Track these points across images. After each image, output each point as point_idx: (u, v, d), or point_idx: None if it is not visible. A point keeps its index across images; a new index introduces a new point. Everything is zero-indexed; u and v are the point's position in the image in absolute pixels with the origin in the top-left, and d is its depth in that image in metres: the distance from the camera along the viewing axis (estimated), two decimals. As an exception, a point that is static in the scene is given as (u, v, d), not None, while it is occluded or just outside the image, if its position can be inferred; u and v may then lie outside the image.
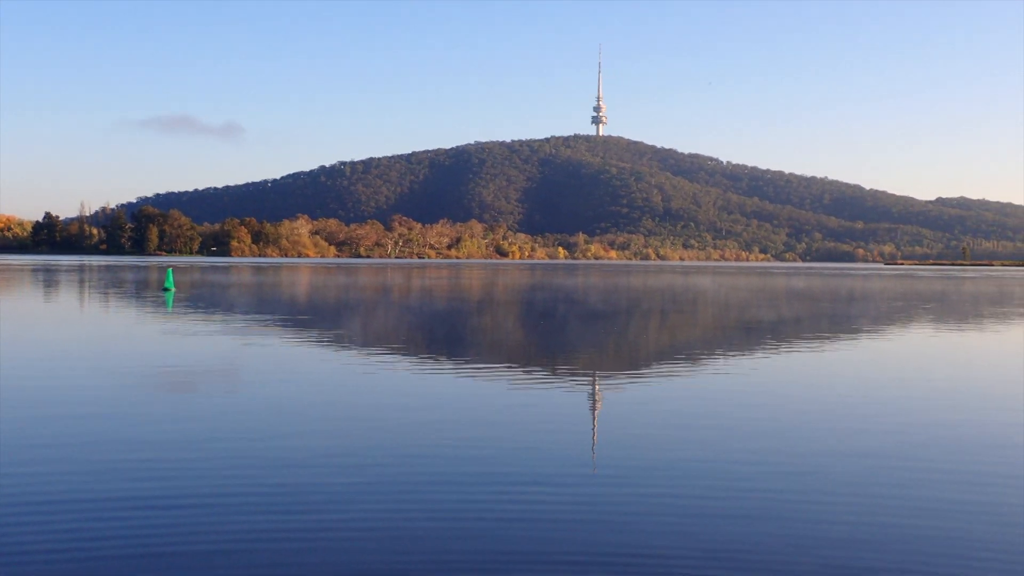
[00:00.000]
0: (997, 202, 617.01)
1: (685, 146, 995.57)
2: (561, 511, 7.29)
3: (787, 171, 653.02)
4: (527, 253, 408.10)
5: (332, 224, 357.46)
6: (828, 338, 23.47)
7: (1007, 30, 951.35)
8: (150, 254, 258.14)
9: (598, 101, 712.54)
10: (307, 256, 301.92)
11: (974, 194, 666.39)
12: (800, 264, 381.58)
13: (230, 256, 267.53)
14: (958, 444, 9.92)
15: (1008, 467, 8.82)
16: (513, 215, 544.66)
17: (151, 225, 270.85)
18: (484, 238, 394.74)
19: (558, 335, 24.22)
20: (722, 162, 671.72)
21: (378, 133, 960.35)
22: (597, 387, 13.91)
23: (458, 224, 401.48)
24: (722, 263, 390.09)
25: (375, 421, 10.98)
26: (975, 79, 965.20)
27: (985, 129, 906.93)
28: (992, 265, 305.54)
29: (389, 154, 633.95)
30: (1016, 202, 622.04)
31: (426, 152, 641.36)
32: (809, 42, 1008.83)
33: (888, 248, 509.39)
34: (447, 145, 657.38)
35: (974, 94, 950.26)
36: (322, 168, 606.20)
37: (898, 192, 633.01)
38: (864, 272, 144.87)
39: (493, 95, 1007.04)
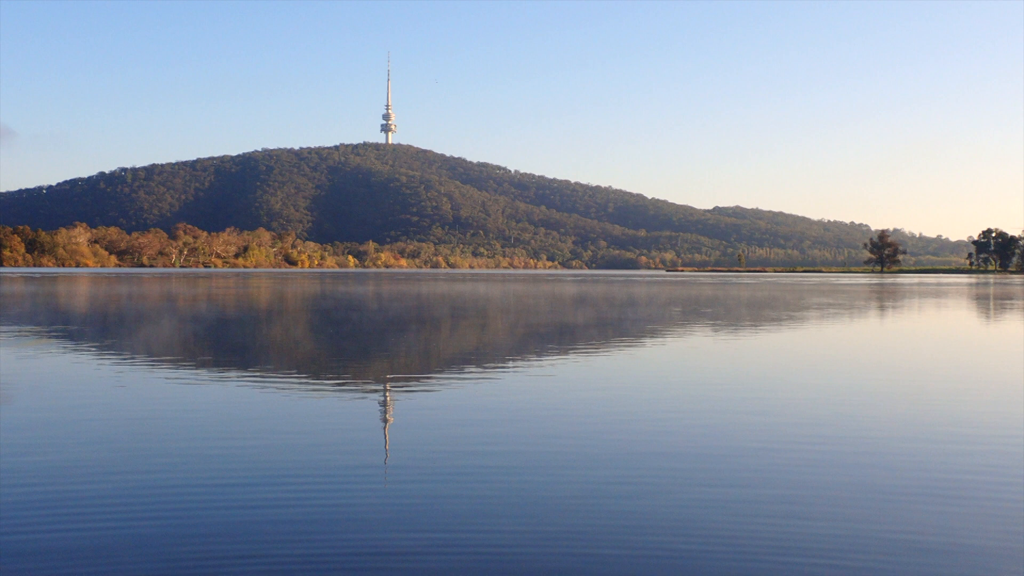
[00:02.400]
0: (769, 211, 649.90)
1: (474, 155, 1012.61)
2: (351, 513, 7.20)
3: (573, 180, 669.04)
4: (316, 262, 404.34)
5: (112, 232, 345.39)
6: (610, 342, 24.01)
7: (776, 47, 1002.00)
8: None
9: (387, 109, 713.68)
10: (86, 266, 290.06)
11: (748, 203, 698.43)
12: (587, 271, 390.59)
13: (1, 266, 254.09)
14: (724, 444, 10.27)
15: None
16: (302, 223, 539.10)
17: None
18: (272, 247, 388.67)
19: (347, 343, 23.98)
20: (510, 171, 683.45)
21: (161, 139, 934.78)
22: (388, 394, 13.78)
23: (245, 232, 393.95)
24: (511, 271, 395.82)
25: (151, 432, 10.53)
26: (748, 93, 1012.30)
27: (758, 141, 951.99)
28: (765, 271, 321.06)
29: (173, 160, 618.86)
30: (787, 211, 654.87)
31: (211, 159, 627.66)
32: (593, 53, 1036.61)
33: (669, 255, 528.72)
34: (233, 152, 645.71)
35: (747, 108, 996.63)
36: (101, 174, 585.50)
37: (678, 201, 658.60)
38: (648, 279, 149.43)
39: (281, 102, 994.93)
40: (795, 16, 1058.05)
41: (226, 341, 24.79)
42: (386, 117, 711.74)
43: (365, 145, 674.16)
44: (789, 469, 8.96)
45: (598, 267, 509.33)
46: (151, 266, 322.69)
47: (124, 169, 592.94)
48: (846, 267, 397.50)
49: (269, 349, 22.94)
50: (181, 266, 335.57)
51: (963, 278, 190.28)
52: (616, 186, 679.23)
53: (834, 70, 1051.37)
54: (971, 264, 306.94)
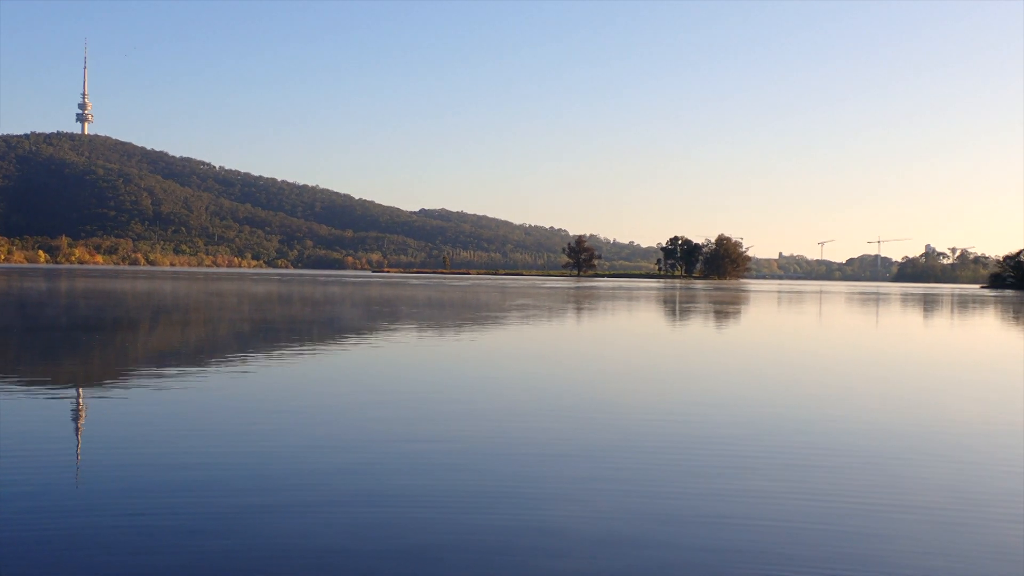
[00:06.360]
0: (474, 215, 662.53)
1: (177, 149, 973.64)
2: (39, 523, 7.11)
3: (280, 178, 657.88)
4: (2, 257, 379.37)
5: None
6: (314, 344, 24.33)
7: (482, 53, 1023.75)
8: None
9: (84, 98, 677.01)
10: None
11: (454, 207, 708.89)
12: (293, 271, 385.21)
13: None
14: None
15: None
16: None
17: None
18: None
19: (28, 346, 23.15)
20: (215, 167, 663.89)
21: None
22: (81, 399, 13.44)
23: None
24: (215, 269, 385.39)
25: None
26: (451, 97, 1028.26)
27: (463, 145, 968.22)
28: (469, 273, 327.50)
29: None
30: (491, 215, 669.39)
31: None
32: (297, 50, 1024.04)
33: (376, 256, 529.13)
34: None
35: (452, 113, 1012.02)
36: None
37: (385, 203, 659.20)
38: (356, 279, 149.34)
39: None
40: (500, 19, 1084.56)
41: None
42: (82, 106, 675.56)
43: (59, 135, 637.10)
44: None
45: (304, 267, 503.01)
46: None
47: None
48: (545, 270, 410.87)
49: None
50: None
51: (653, 282, 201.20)
52: (324, 185, 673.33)
53: (536, 79, 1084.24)
54: (659, 269, 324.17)
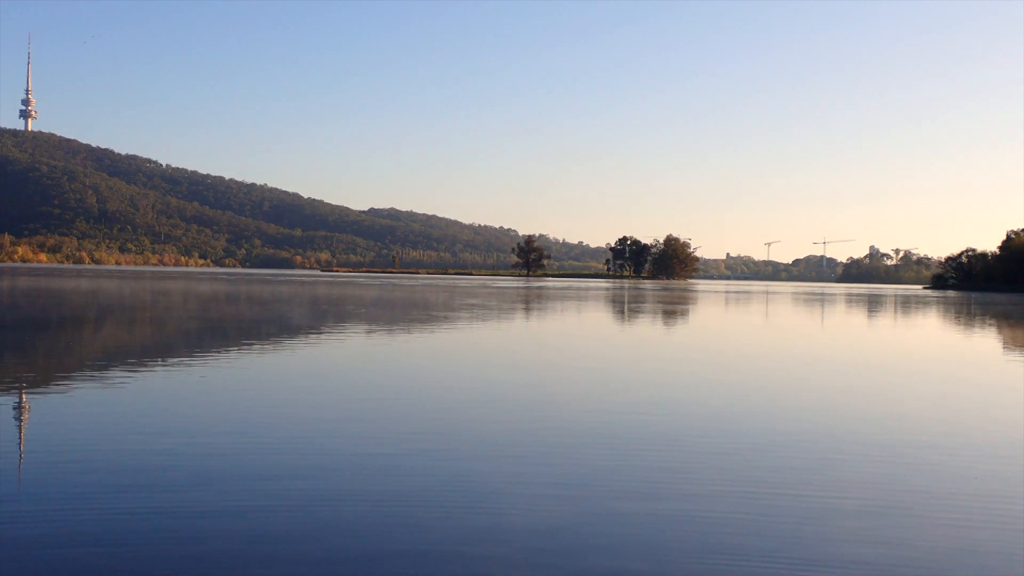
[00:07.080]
0: (424, 214, 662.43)
1: (123, 146, 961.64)
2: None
3: (228, 177, 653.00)
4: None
5: None
6: (263, 344, 24.28)
7: (430, 51, 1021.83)
8: None
9: (27, 94, 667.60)
10: None
11: (403, 206, 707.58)
12: (241, 270, 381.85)
13: None
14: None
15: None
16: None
17: None
18: None
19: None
20: (161, 165, 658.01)
21: None
22: (24, 398, 13.26)
23: None
24: (161, 268, 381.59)
25: None
26: (400, 95, 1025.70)
27: (412, 144, 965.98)
28: (419, 273, 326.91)
29: None
30: (440, 215, 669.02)
31: None
32: (246, 49, 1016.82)
33: (325, 255, 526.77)
34: None
35: (402, 111, 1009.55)
36: None
37: (334, 202, 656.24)
38: (305, 279, 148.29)
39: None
40: (449, 18, 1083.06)
41: None
42: (26, 103, 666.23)
43: (1, 131, 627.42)
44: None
45: (252, 266, 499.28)
46: None
47: None
48: (495, 270, 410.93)
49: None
50: None
51: (603, 282, 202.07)
52: (272, 184, 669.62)
53: (484, 79, 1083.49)
54: (609, 269, 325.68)
